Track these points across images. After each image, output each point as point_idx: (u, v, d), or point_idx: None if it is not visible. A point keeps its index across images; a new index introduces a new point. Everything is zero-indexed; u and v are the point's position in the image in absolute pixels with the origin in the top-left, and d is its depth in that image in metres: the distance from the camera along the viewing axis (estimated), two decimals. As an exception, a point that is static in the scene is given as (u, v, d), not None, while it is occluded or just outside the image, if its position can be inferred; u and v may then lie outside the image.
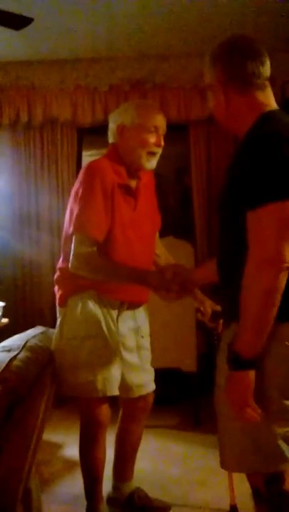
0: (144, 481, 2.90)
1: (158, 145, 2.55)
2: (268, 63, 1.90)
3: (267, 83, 1.91)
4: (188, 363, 3.99)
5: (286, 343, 1.74)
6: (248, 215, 1.72)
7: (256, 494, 1.85)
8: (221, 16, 4.15)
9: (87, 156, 5.33)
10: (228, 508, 2.74)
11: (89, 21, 4.21)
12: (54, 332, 2.60)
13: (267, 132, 1.77)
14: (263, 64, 1.88)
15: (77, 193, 2.50)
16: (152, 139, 2.53)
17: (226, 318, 1.95)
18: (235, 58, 1.87)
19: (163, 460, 3.37)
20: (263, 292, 1.68)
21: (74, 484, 2.96)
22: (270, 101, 1.91)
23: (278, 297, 1.68)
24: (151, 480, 3.04)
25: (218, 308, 2.58)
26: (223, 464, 1.88)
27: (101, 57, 5.00)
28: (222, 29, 4.33)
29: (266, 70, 1.89)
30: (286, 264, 1.68)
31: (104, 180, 2.46)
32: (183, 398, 4.20)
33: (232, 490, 2.72)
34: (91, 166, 2.52)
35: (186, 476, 3.18)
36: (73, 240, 2.44)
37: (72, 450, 3.38)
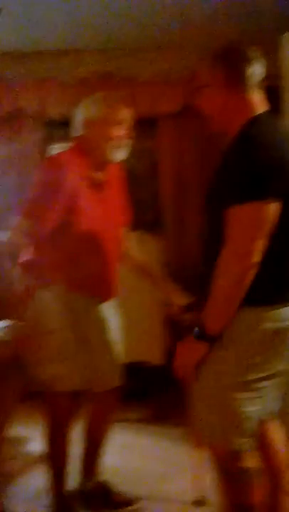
0: (111, 475, 2.90)
1: (124, 137, 2.54)
2: (262, 67, 2.04)
3: (260, 85, 2.05)
4: (155, 356, 3.99)
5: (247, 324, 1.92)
6: (228, 211, 1.86)
7: (222, 470, 2.01)
8: (190, 11, 4.14)
9: (55, 150, 5.29)
10: (193, 500, 2.75)
11: (57, 13, 4.17)
12: (21, 325, 2.57)
13: (253, 134, 1.93)
14: (259, 68, 2.03)
15: (37, 178, 2.54)
16: (118, 132, 2.52)
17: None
18: (235, 61, 2.02)
19: (129, 454, 3.37)
20: (231, 282, 1.86)
21: (38, 479, 2.94)
22: (262, 103, 2.04)
23: (243, 289, 1.86)
24: (117, 474, 3.03)
25: (187, 300, 2.66)
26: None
27: (69, 50, 4.95)
28: (191, 24, 4.36)
29: (261, 73, 2.04)
30: (254, 261, 1.83)
31: (63, 173, 2.44)
32: (149, 392, 4.19)
33: (198, 482, 2.74)
34: (51, 159, 2.54)
35: (152, 469, 3.18)
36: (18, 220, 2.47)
37: (37, 444, 3.35)
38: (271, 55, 3.56)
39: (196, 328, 1.94)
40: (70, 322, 2.52)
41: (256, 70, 2.02)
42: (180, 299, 2.70)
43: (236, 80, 2.00)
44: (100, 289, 2.60)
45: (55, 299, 2.52)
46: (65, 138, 5.40)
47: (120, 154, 2.56)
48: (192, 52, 4.95)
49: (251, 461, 1.99)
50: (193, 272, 4.81)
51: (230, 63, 2.02)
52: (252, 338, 1.92)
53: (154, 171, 5.03)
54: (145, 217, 4.84)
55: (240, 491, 1.98)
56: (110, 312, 2.70)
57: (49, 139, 5.15)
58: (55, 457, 2.59)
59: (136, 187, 5.46)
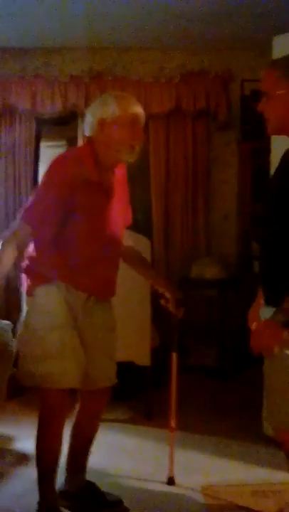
0: (96, 475, 2.89)
1: (137, 139, 2.53)
2: None
3: None
4: (141, 357, 3.98)
5: None
6: None
7: None
8: (181, 11, 4.15)
9: (46, 147, 5.29)
10: (179, 500, 2.82)
11: (50, 11, 4.16)
12: (16, 322, 2.59)
13: None
14: None
15: (41, 180, 2.54)
16: (133, 133, 2.50)
17: (275, 298, 2.17)
18: None
19: (115, 454, 3.36)
20: None
21: (26, 477, 2.93)
22: None
23: None
24: (103, 474, 3.03)
25: (181, 295, 2.84)
26: (269, 420, 2.37)
27: (62, 48, 4.96)
28: (182, 24, 4.37)
29: None
30: None
31: (69, 174, 2.44)
32: (135, 392, 4.20)
33: (172, 463, 2.97)
34: (59, 158, 2.55)
35: (137, 469, 3.18)
36: (16, 221, 2.49)
37: (24, 443, 3.35)
38: (264, 57, 3.63)
39: (280, 316, 2.08)
40: (68, 320, 2.52)
41: None
42: (174, 294, 2.80)
43: None
44: (100, 288, 2.60)
45: (54, 297, 2.51)
46: (55, 134, 5.45)
47: (133, 155, 2.55)
48: (183, 53, 4.99)
49: None
50: (177, 270, 4.86)
51: None
52: None
53: (145, 172, 5.03)
54: (135, 216, 4.86)
55: None
56: (108, 312, 2.71)
57: (40, 136, 5.15)
58: (46, 454, 2.58)
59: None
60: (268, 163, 3.67)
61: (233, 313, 4.68)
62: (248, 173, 5.03)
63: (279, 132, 2.24)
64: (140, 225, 4.72)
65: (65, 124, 5.24)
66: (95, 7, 4.11)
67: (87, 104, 4.89)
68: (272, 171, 3.22)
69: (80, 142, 4.90)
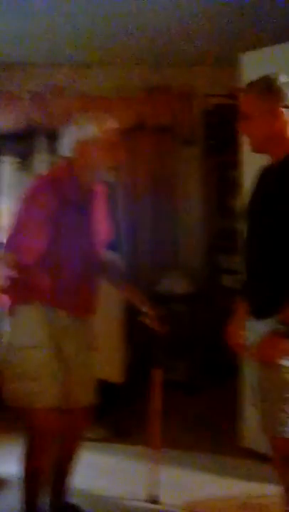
0: (77, 496, 2.84)
1: (119, 160, 2.52)
2: None
3: None
4: (115, 374, 3.95)
5: None
6: None
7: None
8: (143, 28, 4.17)
9: (5, 163, 5.21)
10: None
11: (10, 26, 4.11)
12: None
13: None
14: None
15: (21, 206, 2.49)
16: (114, 154, 2.50)
17: (263, 312, 2.22)
18: (278, 91, 2.19)
19: (93, 474, 3.31)
20: None
21: (10, 500, 2.85)
22: None
23: None
24: (84, 494, 2.97)
25: (163, 311, 2.88)
26: (265, 430, 2.29)
27: (22, 63, 4.91)
28: (144, 41, 4.39)
29: None
30: None
31: (51, 197, 2.43)
32: (106, 410, 4.15)
33: (155, 480, 2.95)
34: (39, 182, 2.54)
35: (118, 489, 3.14)
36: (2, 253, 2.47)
37: (6, 466, 3.26)
38: (232, 74, 3.68)
39: (283, 327, 2.12)
40: (49, 339, 2.50)
41: None
42: (157, 310, 2.83)
43: (280, 107, 2.18)
44: (79, 306, 2.59)
45: (34, 316, 2.50)
46: (17, 152, 5.37)
47: (111, 175, 2.56)
48: (146, 69, 5.01)
49: None
50: (145, 284, 4.86)
51: (274, 93, 2.19)
52: None
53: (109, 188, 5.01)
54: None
55: None
56: (88, 330, 2.70)
57: (0, 153, 5.08)
58: (34, 476, 2.54)
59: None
60: (234, 177, 3.72)
61: (202, 327, 4.70)
62: (213, 187, 5.07)
63: (263, 151, 2.30)
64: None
65: (25, 140, 5.18)
66: (56, 23, 4.09)
67: (47, 120, 4.87)
68: (246, 183, 3.30)
69: (38, 159, 4.90)
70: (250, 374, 2.41)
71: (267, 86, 2.21)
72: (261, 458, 3.05)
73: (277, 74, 2.23)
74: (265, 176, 2.33)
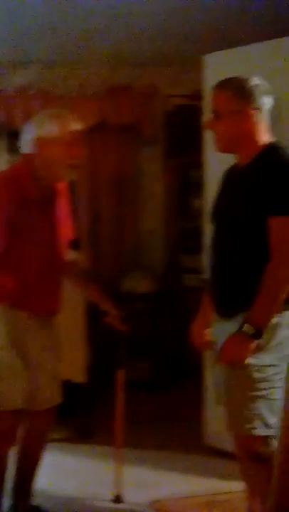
0: (41, 497, 2.83)
1: (78, 157, 2.51)
2: (271, 96, 2.28)
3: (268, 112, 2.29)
4: (78, 375, 3.93)
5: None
6: (274, 221, 2.11)
7: (256, 457, 2.22)
8: (105, 28, 4.16)
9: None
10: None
11: None
12: None
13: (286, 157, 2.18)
14: (269, 97, 2.26)
15: None
16: (72, 152, 2.48)
17: (230, 311, 2.24)
18: (250, 91, 2.21)
19: (58, 474, 3.29)
20: (283, 282, 2.10)
21: None
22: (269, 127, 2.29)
23: None
24: (47, 496, 2.96)
25: (125, 311, 2.88)
26: (231, 428, 2.29)
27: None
28: (106, 41, 4.38)
29: (270, 101, 2.27)
30: None
31: (11, 194, 2.42)
32: (72, 410, 4.13)
33: (118, 480, 2.94)
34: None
35: (82, 489, 3.13)
36: None
37: None
38: (194, 75, 3.70)
39: (249, 328, 2.11)
40: (13, 340, 2.48)
41: (266, 99, 2.24)
42: (119, 310, 2.82)
43: (251, 108, 2.21)
44: (42, 306, 2.57)
45: None
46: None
47: (70, 173, 2.53)
48: (108, 68, 5.00)
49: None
50: (106, 284, 4.86)
51: (247, 95, 2.20)
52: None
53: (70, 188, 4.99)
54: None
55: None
56: (51, 330, 2.68)
57: None
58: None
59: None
60: (197, 177, 3.74)
61: (163, 326, 4.72)
62: (175, 187, 5.10)
63: (230, 150, 2.31)
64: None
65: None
66: (18, 22, 4.05)
67: (9, 119, 4.83)
68: (208, 184, 3.33)
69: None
70: (215, 372, 2.41)
71: (240, 87, 2.22)
72: (226, 455, 3.07)
73: (249, 75, 2.25)
74: (232, 177, 2.34)
